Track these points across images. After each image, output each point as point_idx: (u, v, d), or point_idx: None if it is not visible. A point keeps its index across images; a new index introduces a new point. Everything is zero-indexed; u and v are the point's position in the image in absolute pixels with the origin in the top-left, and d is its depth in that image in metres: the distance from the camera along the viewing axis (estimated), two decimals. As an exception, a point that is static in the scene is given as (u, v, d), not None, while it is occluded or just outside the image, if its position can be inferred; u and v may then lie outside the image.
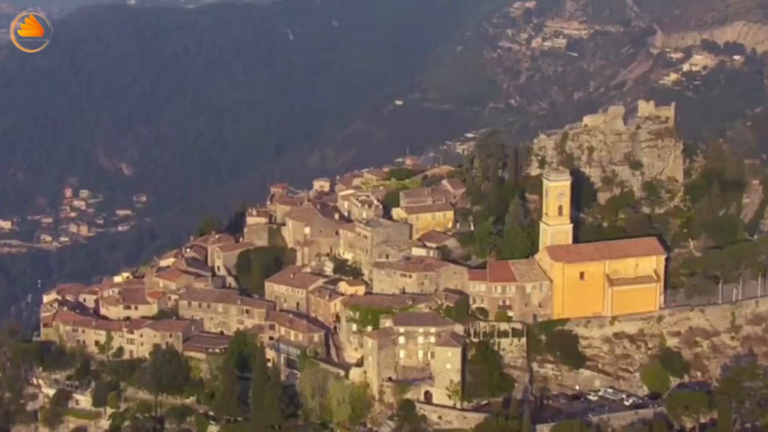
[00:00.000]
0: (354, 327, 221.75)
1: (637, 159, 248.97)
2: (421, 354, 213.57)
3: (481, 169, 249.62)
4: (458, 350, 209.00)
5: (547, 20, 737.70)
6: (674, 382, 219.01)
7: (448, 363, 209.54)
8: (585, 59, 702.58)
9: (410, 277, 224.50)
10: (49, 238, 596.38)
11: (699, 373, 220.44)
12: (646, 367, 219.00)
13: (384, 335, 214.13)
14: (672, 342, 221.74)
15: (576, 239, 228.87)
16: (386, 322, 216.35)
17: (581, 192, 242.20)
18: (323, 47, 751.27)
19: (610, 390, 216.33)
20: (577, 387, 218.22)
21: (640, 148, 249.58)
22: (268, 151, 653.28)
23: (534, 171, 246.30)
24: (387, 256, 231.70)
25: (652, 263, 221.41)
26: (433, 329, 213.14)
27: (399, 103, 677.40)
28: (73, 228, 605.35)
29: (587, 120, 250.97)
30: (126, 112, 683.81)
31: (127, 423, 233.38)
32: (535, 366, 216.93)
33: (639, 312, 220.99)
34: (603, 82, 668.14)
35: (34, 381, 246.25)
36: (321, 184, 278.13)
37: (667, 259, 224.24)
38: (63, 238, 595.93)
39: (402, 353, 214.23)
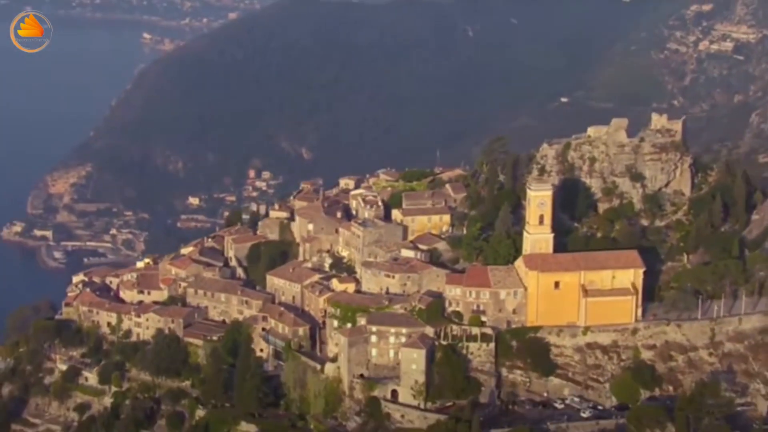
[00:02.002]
0: (335, 323, 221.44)
1: (640, 171, 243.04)
2: (392, 353, 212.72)
3: (485, 175, 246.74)
4: (423, 352, 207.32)
5: (716, 23, 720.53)
6: (645, 394, 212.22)
7: (413, 364, 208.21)
8: (751, 63, 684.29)
9: (393, 277, 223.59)
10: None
11: (671, 387, 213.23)
12: (616, 378, 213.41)
13: (356, 333, 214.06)
14: (647, 355, 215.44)
15: (564, 248, 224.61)
16: (361, 321, 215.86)
17: (577, 201, 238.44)
18: (500, 44, 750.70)
19: (576, 399, 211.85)
20: (545, 394, 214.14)
21: (643, 161, 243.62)
22: (437, 141, 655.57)
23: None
24: (376, 256, 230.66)
25: (630, 276, 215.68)
26: (404, 330, 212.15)
27: (564, 100, 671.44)
28: (253, 207, 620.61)
29: (591, 131, 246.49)
30: (309, 100, 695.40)
31: (127, 402, 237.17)
32: (504, 371, 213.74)
33: (614, 323, 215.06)
34: (762, 86, 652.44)
35: (53, 357, 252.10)
36: (346, 182, 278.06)
37: (645, 273, 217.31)
38: (244, 216, 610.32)
39: (374, 352, 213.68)
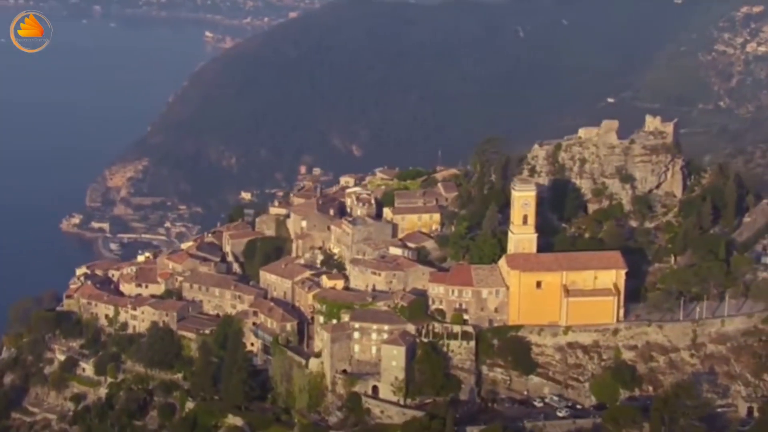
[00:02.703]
0: (321, 319, 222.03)
1: (630, 173, 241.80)
2: (374, 350, 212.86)
3: (477, 175, 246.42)
4: (403, 349, 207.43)
5: (764, 25, 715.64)
6: (625, 394, 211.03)
7: (393, 360, 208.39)
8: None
9: (379, 275, 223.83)
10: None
11: (651, 388, 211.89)
12: (596, 377, 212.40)
13: (339, 329, 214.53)
14: (628, 355, 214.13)
15: (551, 248, 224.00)
16: (345, 317, 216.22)
17: (566, 202, 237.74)
18: (550, 44, 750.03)
19: (555, 398, 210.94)
20: (525, 392, 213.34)
21: (633, 162, 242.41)
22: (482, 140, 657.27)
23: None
24: (364, 254, 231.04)
25: (612, 277, 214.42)
26: (386, 327, 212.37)
27: (611, 100, 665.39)
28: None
29: (582, 132, 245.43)
30: (360, 98, 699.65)
31: (121, 393, 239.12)
32: (485, 369, 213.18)
33: (595, 323, 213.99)
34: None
35: (53, 347, 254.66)
36: (346, 180, 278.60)
37: (628, 274, 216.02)
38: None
39: (356, 348, 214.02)
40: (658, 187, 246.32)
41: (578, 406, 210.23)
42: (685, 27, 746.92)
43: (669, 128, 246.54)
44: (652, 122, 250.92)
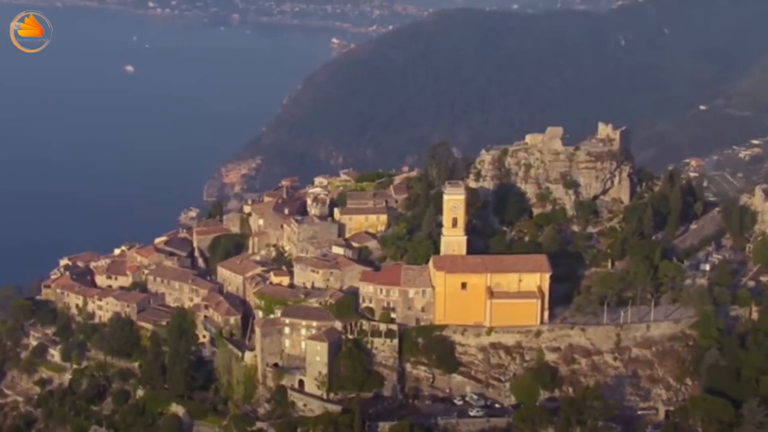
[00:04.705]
0: (260, 314, 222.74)
1: (574, 178, 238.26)
2: (303, 345, 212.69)
3: (424, 178, 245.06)
4: (326, 345, 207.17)
5: None
6: (545, 395, 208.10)
7: (317, 356, 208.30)
8: None
9: (317, 272, 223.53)
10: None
11: (571, 389, 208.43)
12: (517, 378, 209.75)
13: (270, 324, 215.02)
14: (551, 357, 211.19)
15: (484, 250, 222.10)
16: (278, 313, 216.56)
17: (508, 206, 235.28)
18: (650, 53, 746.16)
19: (475, 396, 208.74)
20: (448, 390, 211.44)
21: (578, 169, 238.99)
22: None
23: (471, 183, 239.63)
24: (307, 252, 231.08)
25: (536, 280, 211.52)
26: (314, 323, 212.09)
27: (703, 108, 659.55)
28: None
29: (528, 138, 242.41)
30: (463, 102, 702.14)
31: (84, 379, 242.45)
32: (408, 367, 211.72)
33: (518, 325, 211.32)
34: None
35: (30, 333, 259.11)
36: (320, 181, 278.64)
37: (558, 277, 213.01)
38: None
39: (287, 343, 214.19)
40: (604, 193, 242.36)
41: (497, 405, 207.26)
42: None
43: (616, 135, 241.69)
44: (604, 129, 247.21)
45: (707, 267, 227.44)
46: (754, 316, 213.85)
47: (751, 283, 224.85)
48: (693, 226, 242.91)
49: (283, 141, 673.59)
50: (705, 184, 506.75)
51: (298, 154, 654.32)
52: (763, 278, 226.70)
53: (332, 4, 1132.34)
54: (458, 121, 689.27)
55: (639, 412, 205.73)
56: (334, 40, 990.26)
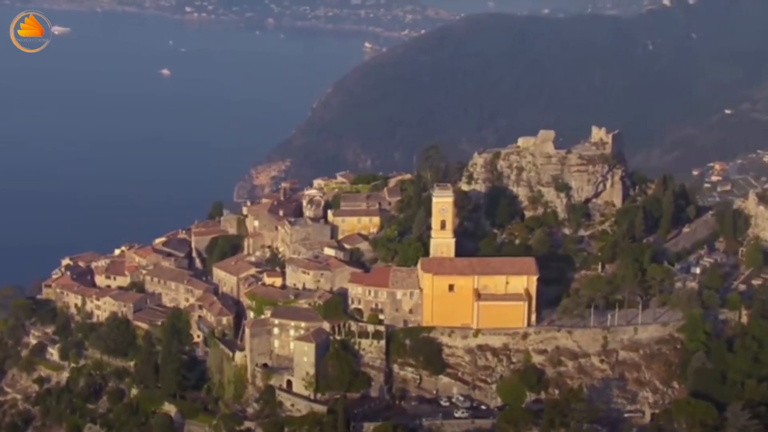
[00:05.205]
0: (251, 314, 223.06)
1: (566, 182, 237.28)
2: (292, 345, 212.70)
3: (417, 180, 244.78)
4: (313, 345, 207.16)
5: None
6: (531, 397, 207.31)
7: (304, 356, 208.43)
8: None
9: (308, 274, 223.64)
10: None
11: (557, 391, 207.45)
12: (504, 379, 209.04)
13: (259, 325, 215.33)
14: (538, 359, 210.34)
15: (474, 253, 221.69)
16: (267, 313, 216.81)
17: (499, 209, 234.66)
18: (677, 57, 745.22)
19: (461, 398, 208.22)
20: (435, 392, 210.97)
21: (570, 172, 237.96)
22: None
23: (464, 186, 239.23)
24: (299, 253, 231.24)
25: (524, 282, 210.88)
26: (303, 324, 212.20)
27: (728, 112, 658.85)
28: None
29: (521, 141, 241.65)
30: (490, 105, 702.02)
31: (81, 378, 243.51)
32: (396, 368, 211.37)
33: (505, 327, 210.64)
34: None
35: (31, 332, 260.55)
36: (319, 183, 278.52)
37: (541, 279, 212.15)
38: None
39: (276, 343, 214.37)
40: (596, 196, 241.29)
41: (483, 407, 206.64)
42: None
43: (609, 139, 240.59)
44: (597, 133, 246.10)
45: (698, 270, 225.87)
46: (744, 319, 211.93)
47: (743, 287, 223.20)
48: (685, 230, 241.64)
49: (313, 143, 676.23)
50: (728, 187, 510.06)
51: (328, 156, 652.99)
52: (754, 282, 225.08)
53: (365, 9, 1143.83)
54: (485, 124, 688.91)
55: (625, 415, 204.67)
56: (367, 45, 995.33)
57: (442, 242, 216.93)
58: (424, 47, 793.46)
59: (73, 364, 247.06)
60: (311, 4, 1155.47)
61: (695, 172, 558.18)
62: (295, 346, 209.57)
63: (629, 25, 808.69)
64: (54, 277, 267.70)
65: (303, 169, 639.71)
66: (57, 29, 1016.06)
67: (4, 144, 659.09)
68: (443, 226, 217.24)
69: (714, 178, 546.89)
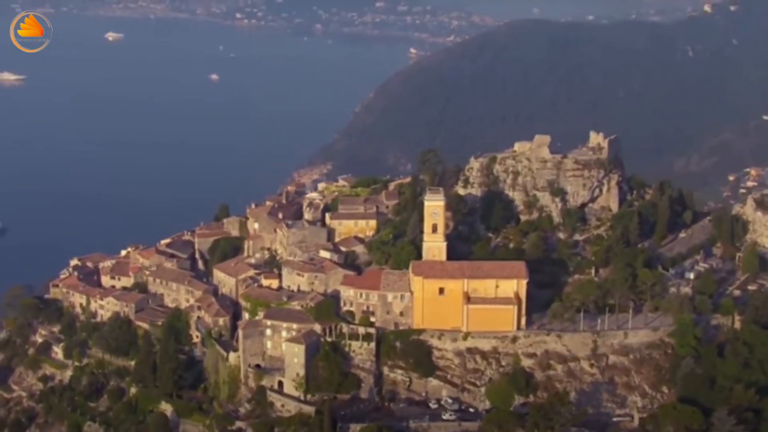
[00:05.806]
0: (247, 315, 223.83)
1: (561, 186, 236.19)
2: (284, 346, 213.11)
3: (411, 184, 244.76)
4: (303, 347, 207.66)
5: None
6: (519, 400, 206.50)
7: (294, 357, 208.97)
8: None
9: (302, 276, 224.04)
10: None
11: (545, 395, 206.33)
12: (493, 382, 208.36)
13: (252, 326, 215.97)
14: (527, 362, 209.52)
15: (468, 257, 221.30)
16: (261, 315, 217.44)
17: (494, 213, 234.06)
18: (717, 63, 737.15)
19: (449, 400, 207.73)
20: (424, 394, 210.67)
21: (565, 177, 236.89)
22: (645, 154, 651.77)
23: (460, 190, 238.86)
24: (295, 256, 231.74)
25: (513, 286, 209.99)
26: (295, 325, 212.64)
27: (766, 118, 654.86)
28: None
29: (517, 146, 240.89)
30: (527, 112, 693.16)
31: (83, 376, 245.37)
32: (386, 370, 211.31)
33: (495, 330, 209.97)
34: None
35: (38, 331, 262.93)
36: (322, 186, 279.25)
37: (532, 283, 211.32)
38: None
39: (269, 344, 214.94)
40: (593, 201, 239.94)
41: (471, 410, 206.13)
42: None
43: (606, 144, 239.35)
44: (595, 138, 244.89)
45: (692, 275, 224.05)
46: (737, 325, 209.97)
47: (737, 293, 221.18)
48: (682, 235, 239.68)
49: (354, 147, 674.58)
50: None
51: (368, 160, 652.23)
52: (750, 287, 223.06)
53: (412, 15, 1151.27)
54: (522, 129, 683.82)
55: (614, 419, 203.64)
56: (412, 50, 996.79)
57: (434, 245, 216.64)
58: (465, 53, 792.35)
59: (76, 363, 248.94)
60: (359, 11, 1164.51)
61: (731, 178, 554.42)
62: (285, 348, 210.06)
63: (669, 31, 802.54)
64: (62, 277, 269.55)
65: (344, 172, 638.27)
66: (111, 35, 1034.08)
67: (47, 149, 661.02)
68: (435, 229, 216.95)
69: (750, 184, 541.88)
